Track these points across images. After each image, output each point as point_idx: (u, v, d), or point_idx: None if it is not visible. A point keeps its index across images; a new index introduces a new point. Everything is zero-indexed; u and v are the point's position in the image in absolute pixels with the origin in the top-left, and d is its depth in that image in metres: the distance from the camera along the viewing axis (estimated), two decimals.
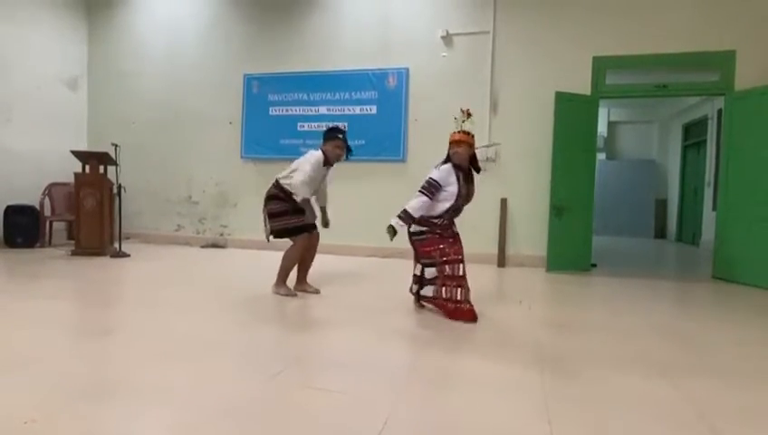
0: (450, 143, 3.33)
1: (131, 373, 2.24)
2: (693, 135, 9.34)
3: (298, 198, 3.72)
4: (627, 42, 5.46)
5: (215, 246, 6.86)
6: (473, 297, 3.34)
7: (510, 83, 5.85)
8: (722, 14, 5.22)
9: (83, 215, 5.78)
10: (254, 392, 2.08)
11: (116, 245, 5.89)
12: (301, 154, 6.29)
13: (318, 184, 3.91)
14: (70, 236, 6.69)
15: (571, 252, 5.49)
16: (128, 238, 6.65)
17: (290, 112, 6.51)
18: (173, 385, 2.13)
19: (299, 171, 3.72)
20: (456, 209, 3.34)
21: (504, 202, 5.86)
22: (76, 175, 5.86)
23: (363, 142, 6.23)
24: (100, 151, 5.91)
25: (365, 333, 2.97)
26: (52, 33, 6.95)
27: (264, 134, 6.65)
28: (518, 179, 5.85)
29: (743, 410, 2.05)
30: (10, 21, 6.38)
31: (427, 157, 6.10)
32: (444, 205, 3.29)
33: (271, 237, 3.88)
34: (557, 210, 5.41)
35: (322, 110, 6.46)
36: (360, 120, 6.33)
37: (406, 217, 3.26)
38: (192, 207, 7.11)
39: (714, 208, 6.69)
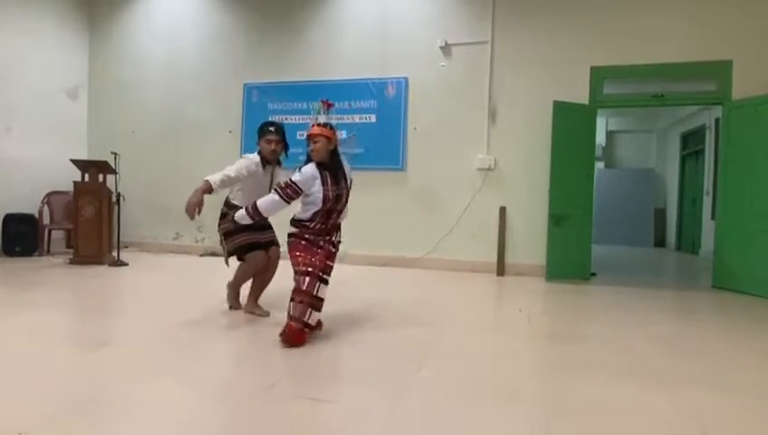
0: (307, 138, 2.99)
1: (126, 386, 2.23)
2: (691, 144, 9.37)
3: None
4: (624, 52, 5.49)
5: (214, 254, 6.84)
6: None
7: (508, 93, 5.88)
8: (718, 25, 5.26)
9: (82, 223, 5.77)
10: (250, 404, 2.06)
11: (114, 253, 5.88)
12: (300, 163, 6.36)
13: (262, 188, 3.40)
14: (68, 245, 6.67)
15: (570, 261, 5.48)
16: (126, 247, 6.64)
17: (289, 121, 6.52)
18: (168, 398, 2.11)
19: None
20: (327, 212, 2.95)
21: (503, 211, 5.86)
22: (75, 183, 5.87)
23: (363, 151, 6.25)
24: (100, 160, 5.92)
25: (358, 344, 2.95)
26: (54, 43, 6.99)
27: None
28: (517, 188, 5.85)
29: (745, 422, 2.04)
30: (12, 31, 6.41)
31: (427, 165, 6.15)
32: (311, 209, 2.93)
33: (230, 260, 3.53)
34: (556, 219, 5.41)
35: (321, 119, 6.47)
36: (359, 129, 6.35)
37: (253, 211, 2.94)
38: None
39: (713, 217, 6.69)
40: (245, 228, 3.31)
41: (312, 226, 2.96)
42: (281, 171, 3.54)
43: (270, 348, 2.93)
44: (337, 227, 3.08)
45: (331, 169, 2.96)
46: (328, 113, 3.02)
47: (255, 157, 3.44)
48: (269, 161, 3.45)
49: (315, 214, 2.93)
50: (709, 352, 3.04)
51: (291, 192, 2.90)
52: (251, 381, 2.34)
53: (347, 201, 3.05)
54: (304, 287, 2.86)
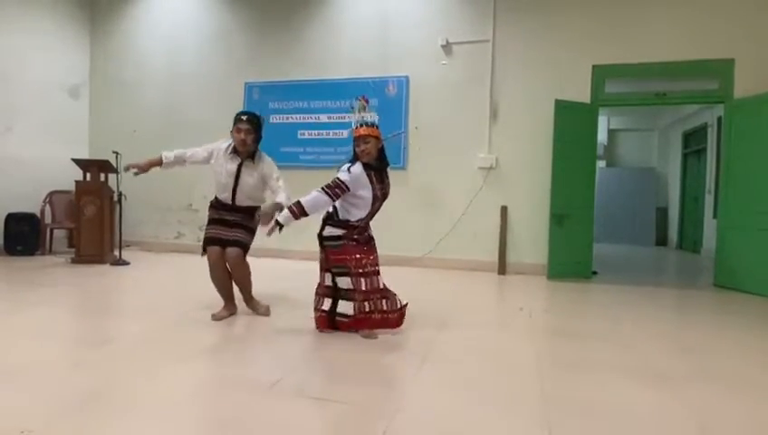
0: (356, 139, 2.94)
1: (128, 384, 2.23)
2: (693, 143, 9.35)
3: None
4: (626, 50, 5.48)
5: None
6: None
7: (510, 91, 5.87)
8: (720, 23, 5.24)
9: (84, 223, 5.78)
10: (252, 402, 2.06)
11: (116, 253, 5.88)
12: (300, 162, 6.37)
13: (227, 177, 3.33)
14: (70, 244, 6.69)
15: (571, 260, 5.48)
16: (128, 246, 6.64)
17: (290, 120, 6.53)
18: (170, 396, 2.12)
19: None
20: (371, 214, 3.06)
21: (504, 210, 5.86)
22: (77, 183, 5.88)
23: None
24: (101, 159, 5.93)
25: (360, 343, 2.95)
26: (55, 42, 7.00)
27: (265, 142, 6.52)
28: (518, 187, 5.85)
29: (744, 420, 2.04)
30: (13, 30, 6.41)
31: (428, 164, 6.15)
32: (361, 212, 2.97)
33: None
34: (557, 218, 5.40)
35: (323, 118, 6.48)
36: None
37: (298, 210, 2.86)
38: (192, 214, 7.11)
39: (715, 216, 6.68)
40: (217, 222, 3.40)
41: (357, 224, 2.99)
42: (254, 167, 3.33)
43: (271, 346, 2.94)
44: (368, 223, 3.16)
45: (377, 168, 2.99)
46: (366, 109, 3.06)
47: (224, 143, 3.38)
48: (239, 152, 3.29)
49: (364, 217, 3.00)
50: (710, 349, 3.03)
51: (339, 191, 2.88)
52: (253, 379, 2.34)
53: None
54: (381, 286, 3.01)
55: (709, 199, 8.03)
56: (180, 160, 3.43)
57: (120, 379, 2.29)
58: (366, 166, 2.93)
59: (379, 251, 3.17)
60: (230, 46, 6.93)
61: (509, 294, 4.87)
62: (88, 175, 5.87)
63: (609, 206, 10.35)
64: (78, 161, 5.91)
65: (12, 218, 6.20)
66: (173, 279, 5.17)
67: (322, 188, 2.89)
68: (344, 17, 6.46)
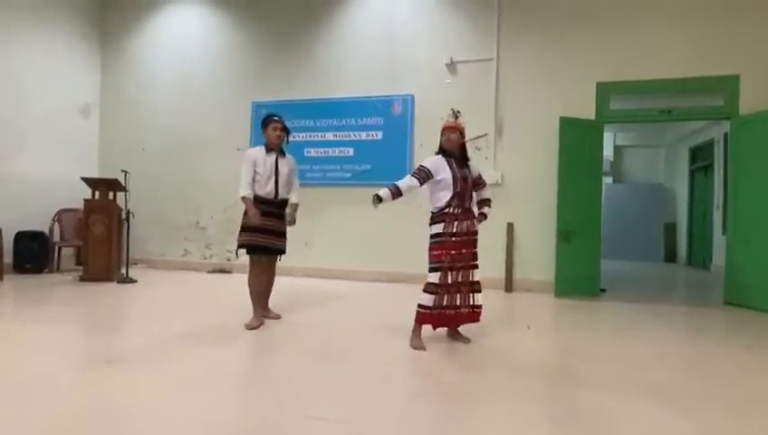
0: (443, 130, 3.41)
1: (133, 404, 2.22)
2: (700, 158, 9.33)
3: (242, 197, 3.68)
4: (630, 67, 5.51)
5: (222, 271, 6.87)
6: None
7: (515, 109, 5.90)
8: (725, 39, 5.27)
9: (92, 241, 5.82)
10: (256, 422, 2.05)
11: (123, 270, 5.91)
12: (307, 179, 6.41)
13: (269, 174, 3.71)
14: (78, 262, 6.73)
15: (579, 277, 5.43)
16: (135, 264, 6.68)
17: (297, 139, 6.58)
18: (174, 416, 2.11)
19: None
20: (460, 196, 3.26)
21: (510, 227, 5.84)
22: (86, 201, 5.94)
23: (369, 167, 6.28)
24: (110, 178, 6.00)
25: (364, 361, 2.93)
26: (66, 62, 7.13)
27: None
28: (524, 204, 5.84)
29: None
30: (25, 50, 6.56)
31: None
32: (446, 194, 3.26)
33: (239, 252, 3.78)
34: (564, 235, 5.37)
35: (329, 136, 6.55)
36: (365, 146, 6.39)
37: (395, 190, 3.32)
38: (199, 232, 7.15)
39: (724, 232, 6.62)
40: (265, 231, 3.66)
41: (449, 211, 3.33)
42: (285, 159, 3.86)
43: (274, 364, 2.92)
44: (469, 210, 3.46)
45: (457, 158, 3.42)
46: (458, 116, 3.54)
47: (255, 148, 3.85)
48: (272, 148, 3.78)
49: (450, 200, 3.31)
50: (722, 369, 2.98)
51: (423, 174, 3.32)
52: (256, 398, 2.33)
53: None
54: (476, 278, 3.51)
55: (718, 215, 7.97)
56: (252, 182, 3.72)
57: (124, 399, 2.28)
58: (445, 154, 3.34)
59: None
60: (238, 66, 7.04)
61: (516, 312, 4.83)
62: (96, 193, 5.94)
63: (617, 222, 10.30)
64: (87, 180, 5.98)
65: (21, 236, 6.26)
66: (179, 297, 5.18)
67: (412, 175, 3.35)
68: (350, 37, 6.56)
